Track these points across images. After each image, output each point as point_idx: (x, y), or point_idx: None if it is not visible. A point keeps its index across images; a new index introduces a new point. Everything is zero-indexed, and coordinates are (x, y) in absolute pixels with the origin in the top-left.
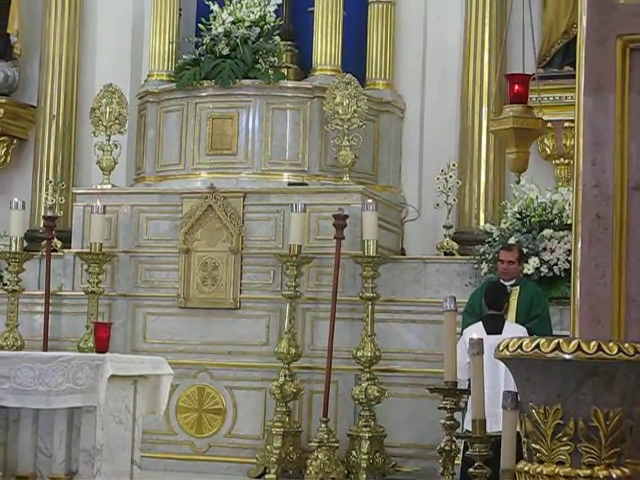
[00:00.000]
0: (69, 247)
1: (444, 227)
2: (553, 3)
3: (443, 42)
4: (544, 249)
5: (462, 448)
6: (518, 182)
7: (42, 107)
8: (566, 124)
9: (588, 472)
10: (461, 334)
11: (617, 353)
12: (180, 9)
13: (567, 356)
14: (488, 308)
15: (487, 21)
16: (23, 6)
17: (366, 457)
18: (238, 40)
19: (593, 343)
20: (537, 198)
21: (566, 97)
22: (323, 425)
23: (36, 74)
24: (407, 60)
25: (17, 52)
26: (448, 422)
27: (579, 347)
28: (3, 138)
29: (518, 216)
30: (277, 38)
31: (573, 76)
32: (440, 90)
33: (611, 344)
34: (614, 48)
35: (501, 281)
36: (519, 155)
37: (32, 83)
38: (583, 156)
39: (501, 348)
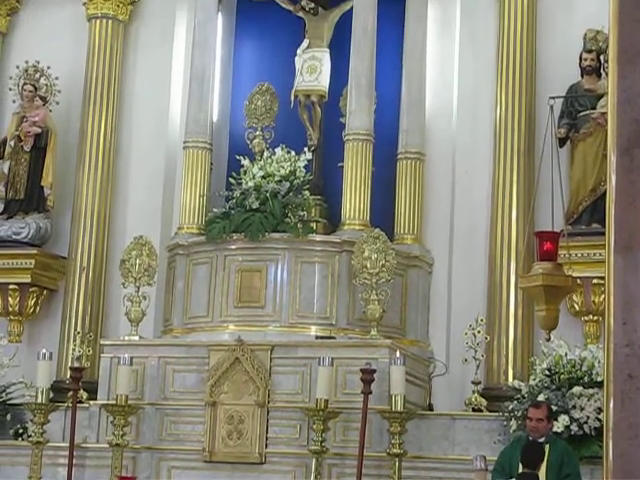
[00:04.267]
0: (95, 398)
1: (472, 383)
2: (580, 161)
3: (471, 198)
4: (574, 407)
5: None
6: (548, 340)
7: (73, 258)
8: (595, 281)
9: None
10: None
11: None
12: (211, 163)
13: None
14: (523, 466)
15: (515, 178)
16: (57, 160)
17: None
18: (268, 194)
19: None
20: (566, 355)
21: (594, 254)
22: None
23: (68, 226)
24: (435, 215)
25: (50, 204)
26: None
27: None
28: (33, 289)
29: (547, 373)
30: (306, 192)
31: (601, 233)
32: (468, 245)
33: None
34: None
35: (535, 439)
36: (549, 313)
37: (64, 235)
38: (614, 315)
39: None
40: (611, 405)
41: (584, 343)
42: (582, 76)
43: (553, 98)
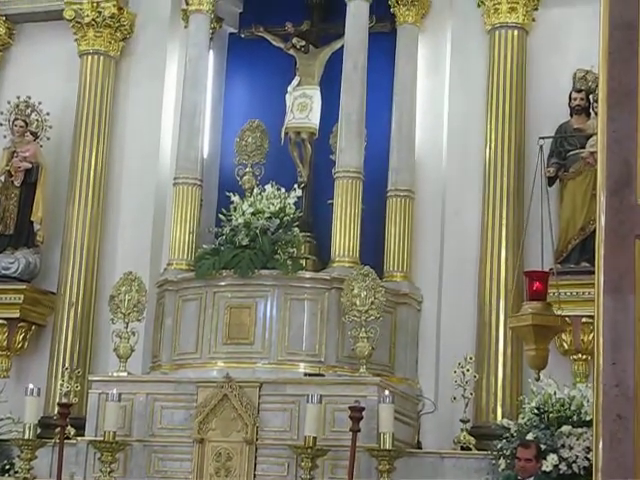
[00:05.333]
0: (83, 435)
1: (461, 421)
2: (569, 200)
3: (461, 236)
4: (563, 446)
5: None
6: (538, 379)
7: (62, 294)
8: (584, 319)
9: None
10: None
11: None
12: (201, 199)
13: None
14: None
15: (504, 216)
16: (47, 195)
17: None
18: (258, 231)
19: None
20: (555, 394)
21: (583, 293)
22: None
23: (57, 261)
24: (425, 253)
25: (40, 239)
26: None
27: None
28: (22, 324)
29: (536, 411)
30: (296, 229)
31: (590, 272)
32: (457, 283)
33: None
34: (633, 248)
35: (524, 479)
36: (538, 352)
37: (53, 270)
38: (603, 355)
39: None
40: (600, 446)
41: (573, 382)
42: (571, 115)
43: (543, 138)
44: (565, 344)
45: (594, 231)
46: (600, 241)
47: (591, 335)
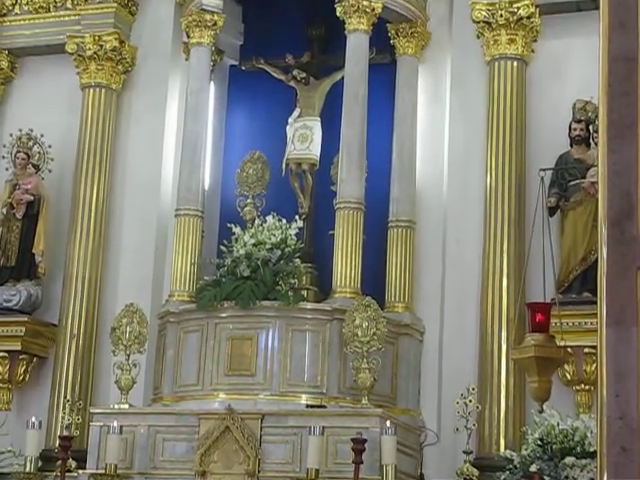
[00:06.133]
0: (84, 467)
1: (464, 452)
2: (571, 230)
3: (462, 266)
4: (566, 477)
5: None
6: (541, 412)
7: (63, 326)
8: (586, 350)
9: None
10: None
11: None
12: (203, 231)
13: None
14: None
15: (505, 246)
16: (49, 227)
17: None
18: (259, 262)
19: None
20: (558, 425)
21: (585, 323)
22: None
23: (59, 293)
24: (426, 283)
25: (41, 271)
26: None
27: None
28: (23, 356)
29: (539, 443)
30: (297, 260)
31: (592, 302)
32: (459, 313)
33: None
34: (635, 280)
35: None
36: (542, 384)
37: (54, 302)
38: (607, 388)
39: None
40: (605, 478)
41: (576, 413)
42: (571, 145)
43: (544, 170)
44: (568, 374)
45: (595, 261)
46: (602, 273)
47: (594, 365)
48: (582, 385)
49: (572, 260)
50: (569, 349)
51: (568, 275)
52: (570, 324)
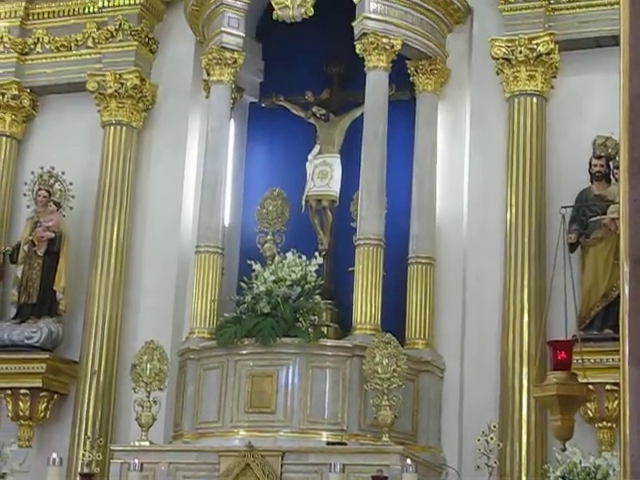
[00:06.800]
0: None
1: None
2: (591, 267)
3: (482, 302)
4: None
5: None
6: (564, 450)
7: (84, 363)
8: (608, 387)
9: None
10: None
11: None
12: (223, 268)
13: None
14: None
15: (526, 282)
16: (70, 264)
17: None
18: (279, 299)
19: None
20: (580, 462)
21: (607, 360)
22: None
23: (80, 330)
24: (447, 320)
25: (62, 308)
26: None
27: None
28: (44, 393)
29: None
30: (317, 297)
31: (614, 339)
32: (480, 350)
33: None
34: None
35: None
36: (564, 423)
37: (75, 339)
38: (630, 426)
39: None
40: None
41: (598, 450)
42: (592, 181)
43: (565, 207)
44: (590, 412)
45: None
46: (624, 311)
47: (616, 402)
48: (604, 422)
49: (593, 296)
50: (591, 386)
51: (589, 312)
52: (592, 361)
